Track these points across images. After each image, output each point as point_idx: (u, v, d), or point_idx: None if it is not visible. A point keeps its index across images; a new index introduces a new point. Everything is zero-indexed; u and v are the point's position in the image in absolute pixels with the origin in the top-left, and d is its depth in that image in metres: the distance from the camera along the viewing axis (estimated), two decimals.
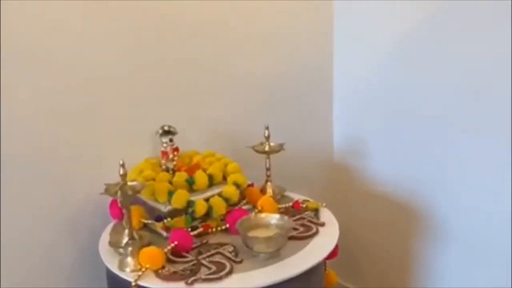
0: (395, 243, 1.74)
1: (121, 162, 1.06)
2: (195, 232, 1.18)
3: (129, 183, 1.10)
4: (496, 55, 1.33)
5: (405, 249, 1.71)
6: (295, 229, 1.19)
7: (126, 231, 1.10)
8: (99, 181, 1.17)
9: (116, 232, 1.24)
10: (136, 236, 1.10)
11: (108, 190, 1.10)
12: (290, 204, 1.34)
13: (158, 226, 1.20)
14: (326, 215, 1.29)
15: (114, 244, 1.12)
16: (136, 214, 1.21)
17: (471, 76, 1.40)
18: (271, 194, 1.40)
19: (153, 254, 1.04)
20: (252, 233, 1.10)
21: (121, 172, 1.07)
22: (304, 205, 1.33)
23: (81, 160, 1.32)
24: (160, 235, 1.19)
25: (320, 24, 1.75)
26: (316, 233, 1.19)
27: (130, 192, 1.07)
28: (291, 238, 1.14)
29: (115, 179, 1.11)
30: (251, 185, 1.39)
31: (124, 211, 1.09)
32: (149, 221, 1.22)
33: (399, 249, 1.73)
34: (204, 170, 1.30)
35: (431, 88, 1.51)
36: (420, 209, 1.62)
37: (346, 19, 1.73)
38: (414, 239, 1.67)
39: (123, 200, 1.04)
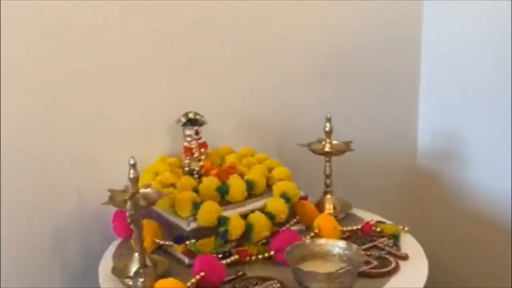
0: (499, 279, 1.70)
1: (131, 162, 1.06)
2: (228, 261, 1.17)
3: (142, 190, 1.10)
4: None
5: None
6: (366, 262, 1.17)
7: (136, 255, 1.10)
8: (98, 186, 1.18)
9: (121, 255, 1.24)
10: (149, 262, 1.10)
11: (113, 199, 1.09)
12: (359, 226, 1.32)
13: (178, 250, 1.20)
14: (409, 243, 1.28)
15: (120, 272, 1.12)
16: (149, 232, 1.21)
17: None
18: (332, 211, 1.40)
19: None
20: (307, 266, 1.09)
21: (132, 175, 1.07)
22: (378, 229, 1.32)
23: (74, 158, 1.33)
24: (180, 261, 1.20)
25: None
26: (396, 269, 1.17)
27: (143, 203, 1.07)
28: (361, 275, 1.11)
29: (121, 183, 1.12)
30: (304, 198, 1.38)
31: (133, 227, 1.09)
32: (166, 242, 1.23)
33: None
34: (241, 175, 1.30)
35: None
36: None
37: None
38: None
39: (134, 214, 1.04)
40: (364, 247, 1.23)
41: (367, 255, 1.20)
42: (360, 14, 1.66)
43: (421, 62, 1.81)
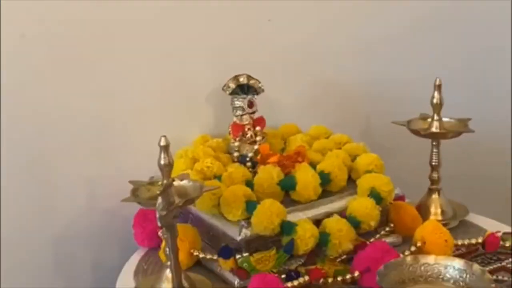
0: None
1: (162, 143, 1.05)
2: (296, 283, 1.16)
3: (177, 183, 1.10)
4: None
5: None
6: None
7: (168, 272, 1.10)
8: (114, 178, 1.23)
9: (145, 272, 1.26)
10: (186, 283, 1.10)
11: (137, 194, 1.10)
12: (480, 240, 1.29)
13: (226, 267, 1.20)
14: None
15: None
16: (186, 242, 1.22)
17: None
18: (440, 217, 1.40)
19: None
20: None
21: (163, 161, 1.05)
22: (507, 243, 1.29)
23: (82, 142, 1.35)
24: (227, 282, 1.20)
25: None
26: None
27: (178, 201, 1.06)
28: None
29: (144, 175, 1.14)
30: (401, 197, 1.38)
31: (164, 234, 1.09)
32: (209, 256, 1.23)
33: None
34: (313, 165, 1.30)
35: None
36: None
37: None
38: None
39: (166, 215, 1.02)
40: (489, 268, 1.22)
41: (495, 280, 1.16)
42: None
43: None
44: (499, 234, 1.30)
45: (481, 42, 1.73)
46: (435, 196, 1.41)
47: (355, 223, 1.24)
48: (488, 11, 1.72)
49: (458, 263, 1.11)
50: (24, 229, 1.32)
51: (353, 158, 1.35)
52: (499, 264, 1.26)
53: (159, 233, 1.18)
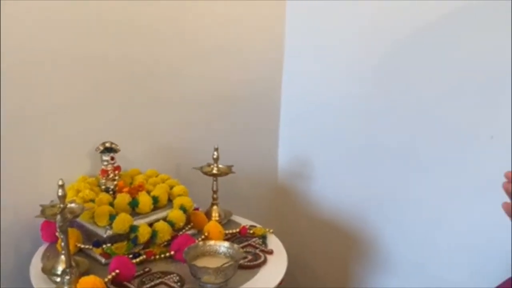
0: (339, 270, 1.82)
1: (60, 183, 1.04)
2: (137, 260, 1.16)
3: (68, 205, 1.07)
4: (445, 85, 1.43)
5: (349, 276, 1.79)
6: (244, 257, 1.20)
7: (63, 256, 1.07)
8: (29, 196, 1.15)
9: (48, 257, 1.20)
10: (73, 263, 1.07)
11: (44, 212, 1.06)
12: (237, 230, 1.34)
13: (97, 252, 1.18)
14: (273, 242, 1.31)
15: (49, 271, 1.09)
16: (73, 238, 1.18)
17: (415, 102, 1.51)
18: (218, 218, 1.41)
19: (93, 283, 1.01)
20: (200, 262, 1.10)
21: (60, 193, 1.04)
22: (251, 231, 1.34)
23: (12, 179, 1.26)
24: (97, 261, 1.17)
25: (270, 43, 1.80)
26: (265, 262, 1.20)
27: (69, 216, 1.05)
28: (240, 267, 1.14)
29: (47, 195, 1.12)
30: (197, 209, 1.39)
31: (61, 235, 1.06)
32: (86, 246, 1.20)
33: (343, 276, 1.80)
34: (148, 192, 1.29)
35: (381, 114, 1.60)
36: (365, 236, 1.71)
37: (297, 42, 1.79)
38: (358, 266, 1.76)
39: (62, 225, 1.02)
40: (241, 245, 1.27)
41: (244, 252, 1.23)
42: (235, 68, 1.70)
43: (281, 107, 1.88)
44: (247, 226, 1.36)
45: None
46: (215, 207, 1.43)
47: (171, 224, 1.26)
48: None
49: (226, 243, 1.17)
50: None
51: (171, 188, 1.34)
52: (247, 243, 1.30)
53: (57, 234, 1.15)
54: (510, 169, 0.86)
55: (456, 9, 1.36)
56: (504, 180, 0.87)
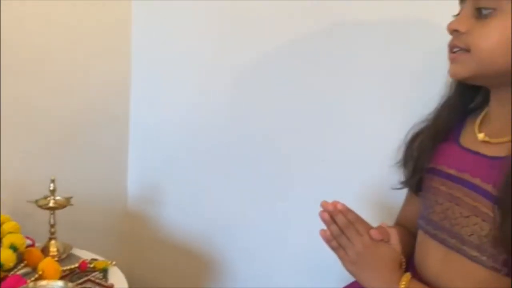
0: None
1: None
2: None
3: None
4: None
5: None
6: None
7: None
8: None
9: None
10: None
11: None
12: (76, 265, 1.31)
13: None
14: (115, 274, 1.29)
15: None
16: None
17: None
18: (56, 253, 1.35)
19: None
20: None
21: None
22: (91, 265, 1.31)
23: None
24: None
25: (116, 57, 1.72)
26: None
27: None
28: None
29: None
30: (32, 245, 1.33)
31: None
32: None
33: None
34: None
35: (232, 132, 1.63)
36: (213, 257, 1.75)
37: (145, 54, 1.75)
38: (208, 285, 1.79)
39: None
40: (80, 281, 1.23)
41: None
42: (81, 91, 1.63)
43: (130, 133, 1.84)
44: (88, 260, 1.32)
45: None
46: (52, 241, 1.37)
47: (0, 265, 1.19)
48: None
49: (60, 282, 1.12)
50: None
51: (1, 224, 1.27)
52: (86, 278, 1.26)
53: None
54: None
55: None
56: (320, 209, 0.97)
